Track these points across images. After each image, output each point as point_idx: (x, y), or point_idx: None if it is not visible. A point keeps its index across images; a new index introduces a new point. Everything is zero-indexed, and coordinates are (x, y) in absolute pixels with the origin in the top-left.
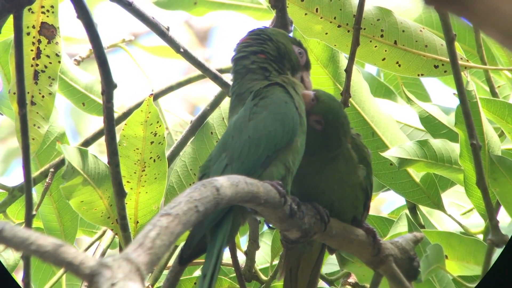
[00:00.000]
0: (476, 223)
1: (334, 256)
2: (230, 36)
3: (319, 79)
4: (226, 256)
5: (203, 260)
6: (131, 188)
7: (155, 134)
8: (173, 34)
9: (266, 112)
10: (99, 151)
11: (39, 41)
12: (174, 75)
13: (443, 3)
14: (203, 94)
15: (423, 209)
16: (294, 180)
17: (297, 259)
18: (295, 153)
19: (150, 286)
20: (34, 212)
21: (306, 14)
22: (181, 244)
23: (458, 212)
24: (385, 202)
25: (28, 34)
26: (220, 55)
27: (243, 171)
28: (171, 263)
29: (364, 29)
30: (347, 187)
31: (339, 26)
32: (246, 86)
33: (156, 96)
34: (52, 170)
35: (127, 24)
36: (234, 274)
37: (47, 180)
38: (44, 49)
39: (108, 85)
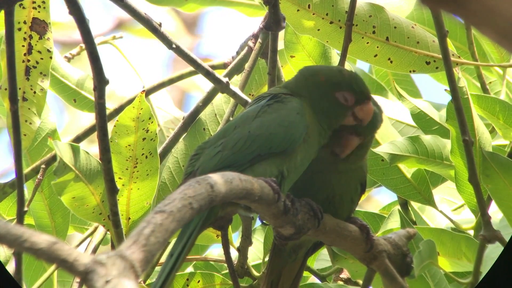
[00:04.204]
0: (467, 219)
1: (326, 252)
2: (221, 22)
3: None
4: (219, 252)
5: (196, 256)
6: (123, 185)
7: (147, 131)
8: (165, 30)
9: (275, 115)
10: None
11: (31, 37)
12: (160, 57)
13: (438, 3)
14: (192, 80)
15: (415, 205)
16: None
17: (279, 271)
18: (292, 164)
19: (142, 283)
20: (25, 209)
21: (298, 10)
22: (174, 241)
23: (449, 208)
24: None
25: (20, 29)
26: (210, 43)
27: (231, 160)
28: (163, 259)
29: (356, 25)
30: (351, 181)
31: (331, 23)
32: (269, 91)
33: (147, 93)
34: (43, 166)
35: (111, 9)
36: (227, 271)
37: (38, 177)
38: (36, 44)
39: (100, 81)
